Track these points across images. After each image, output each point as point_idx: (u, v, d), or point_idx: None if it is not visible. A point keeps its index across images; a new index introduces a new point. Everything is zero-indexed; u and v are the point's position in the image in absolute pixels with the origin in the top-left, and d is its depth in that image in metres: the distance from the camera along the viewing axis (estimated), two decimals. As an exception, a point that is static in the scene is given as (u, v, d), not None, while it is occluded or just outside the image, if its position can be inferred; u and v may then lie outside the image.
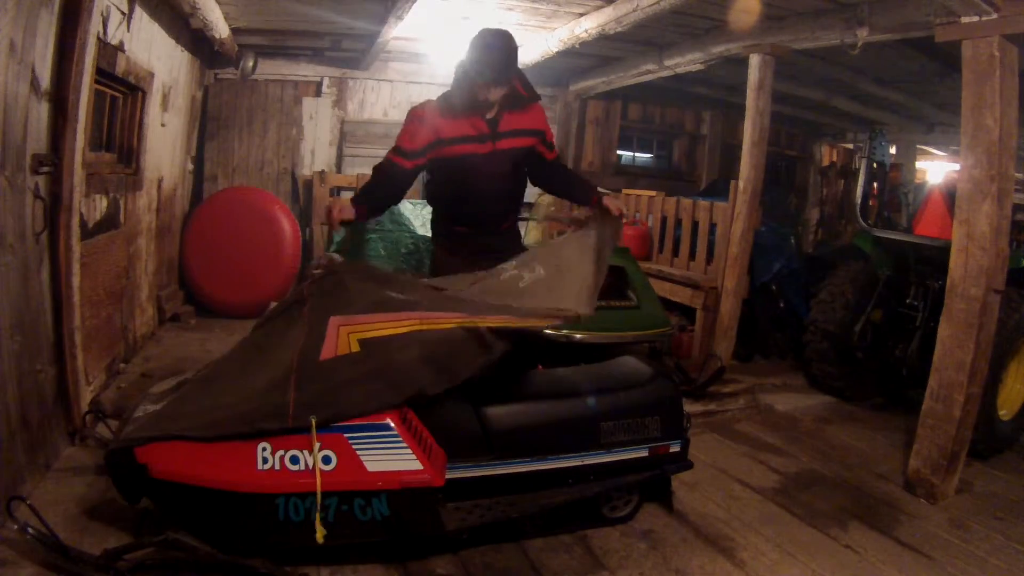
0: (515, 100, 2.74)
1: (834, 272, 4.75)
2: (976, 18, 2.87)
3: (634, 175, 7.85)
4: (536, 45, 5.24)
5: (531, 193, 7.54)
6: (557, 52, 5.07)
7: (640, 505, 2.73)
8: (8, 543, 2.10)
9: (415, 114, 2.74)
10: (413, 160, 2.72)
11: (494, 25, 2.84)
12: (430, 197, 3.06)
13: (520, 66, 2.80)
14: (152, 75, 4.19)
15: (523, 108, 2.79)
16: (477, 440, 2.34)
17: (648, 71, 5.74)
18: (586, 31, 4.49)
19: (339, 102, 6.57)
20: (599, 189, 2.93)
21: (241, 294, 5.58)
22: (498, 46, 2.60)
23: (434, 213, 3.05)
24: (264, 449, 2.10)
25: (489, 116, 2.72)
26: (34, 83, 2.42)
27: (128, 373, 3.94)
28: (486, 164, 2.75)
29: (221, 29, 4.74)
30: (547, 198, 5.71)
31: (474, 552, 2.38)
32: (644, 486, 2.72)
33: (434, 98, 2.77)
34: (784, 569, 2.47)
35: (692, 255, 5.34)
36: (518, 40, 2.72)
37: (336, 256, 2.64)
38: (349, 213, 2.61)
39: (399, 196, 2.89)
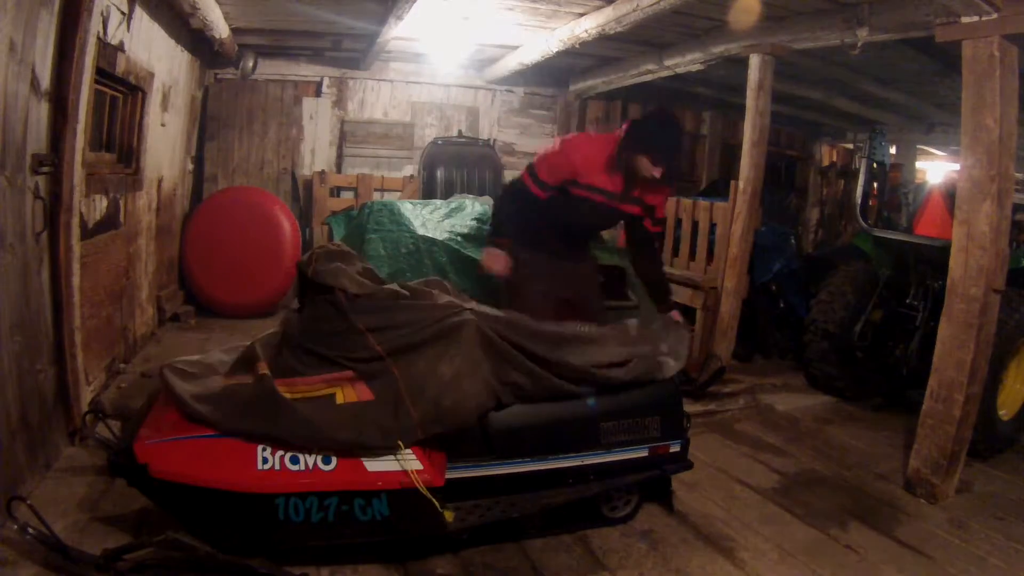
0: (655, 180, 2.87)
1: (834, 272, 4.74)
2: (976, 18, 2.86)
3: (634, 175, 7.84)
4: (536, 45, 5.23)
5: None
6: (557, 52, 5.07)
7: (640, 505, 2.73)
8: (8, 543, 2.10)
9: (564, 148, 2.91)
10: (547, 192, 2.95)
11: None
12: (527, 210, 3.06)
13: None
14: (152, 75, 4.19)
15: (656, 189, 2.97)
16: (477, 440, 2.34)
17: (648, 71, 5.74)
18: (586, 31, 4.49)
19: (339, 102, 6.57)
20: (673, 302, 3.21)
21: (241, 294, 5.58)
22: (677, 135, 2.91)
23: (521, 225, 3.08)
24: (264, 449, 2.11)
25: (628, 179, 2.90)
26: (34, 83, 2.42)
27: (128, 373, 3.94)
28: (601, 215, 3.03)
29: (221, 29, 4.74)
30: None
31: (474, 552, 2.38)
32: (644, 486, 2.72)
33: (589, 132, 2.95)
34: (784, 569, 2.47)
35: (692, 255, 5.34)
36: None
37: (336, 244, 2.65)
38: (504, 261, 2.94)
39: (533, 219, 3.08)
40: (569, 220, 3.05)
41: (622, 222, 3.25)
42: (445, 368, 2.26)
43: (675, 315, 3.06)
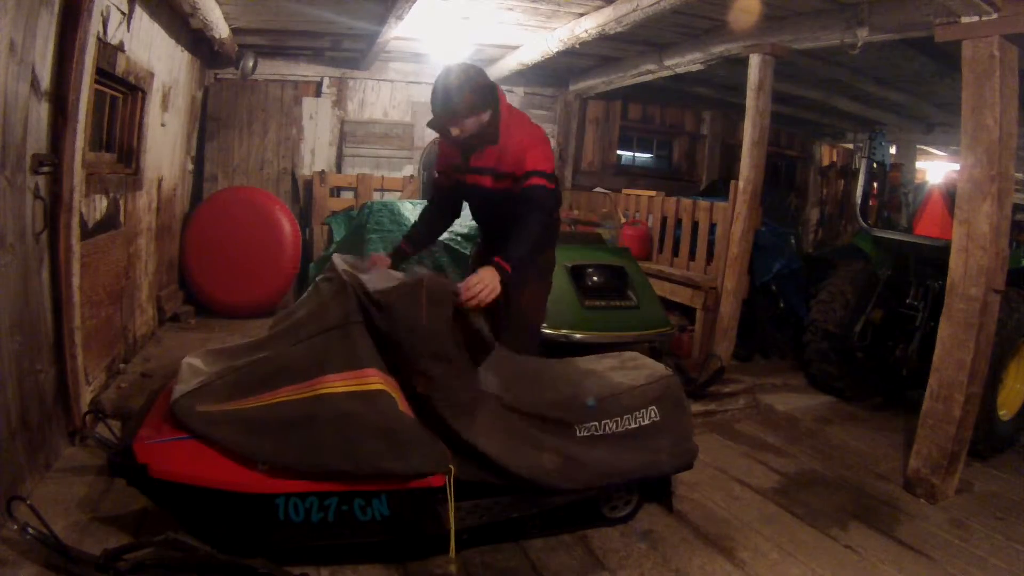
0: (480, 139, 2.66)
1: (834, 272, 4.75)
2: (976, 18, 2.87)
3: (634, 175, 7.85)
4: (536, 45, 5.23)
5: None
6: (557, 52, 5.07)
7: (640, 505, 2.73)
8: (8, 543, 2.10)
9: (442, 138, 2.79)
10: (446, 180, 2.90)
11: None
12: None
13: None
14: (152, 75, 4.19)
15: (484, 148, 2.69)
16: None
17: (648, 71, 5.75)
18: (586, 31, 4.49)
19: (339, 102, 6.57)
20: (505, 259, 2.44)
21: (241, 294, 5.58)
22: (442, 85, 2.63)
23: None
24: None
25: (463, 150, 2.75)
26: (34, 83, 2.42)
27: (128, 373, 3.94)
28: (474, 194, 2.85)
29: (221, 29, 4.74)
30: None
31: (474, 552, 2.38)
32: (644, 486, 2.72)
33: None
34: (784, 569, 2.47)
35: (692, 255, 5.34)
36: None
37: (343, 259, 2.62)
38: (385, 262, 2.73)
39: (451, 210, 3.04)
40: (476, 215, 3.01)
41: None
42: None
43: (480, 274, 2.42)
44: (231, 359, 2.37)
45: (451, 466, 2.19)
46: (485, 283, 2.29)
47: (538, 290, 2.96)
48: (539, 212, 2.58)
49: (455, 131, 2.62)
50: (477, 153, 2.72)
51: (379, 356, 2.25)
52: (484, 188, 2.77)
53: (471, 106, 2.59)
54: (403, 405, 2.20)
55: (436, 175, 2.96)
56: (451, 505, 2.17)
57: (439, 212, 3.05)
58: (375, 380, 2.19)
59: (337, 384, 2.16)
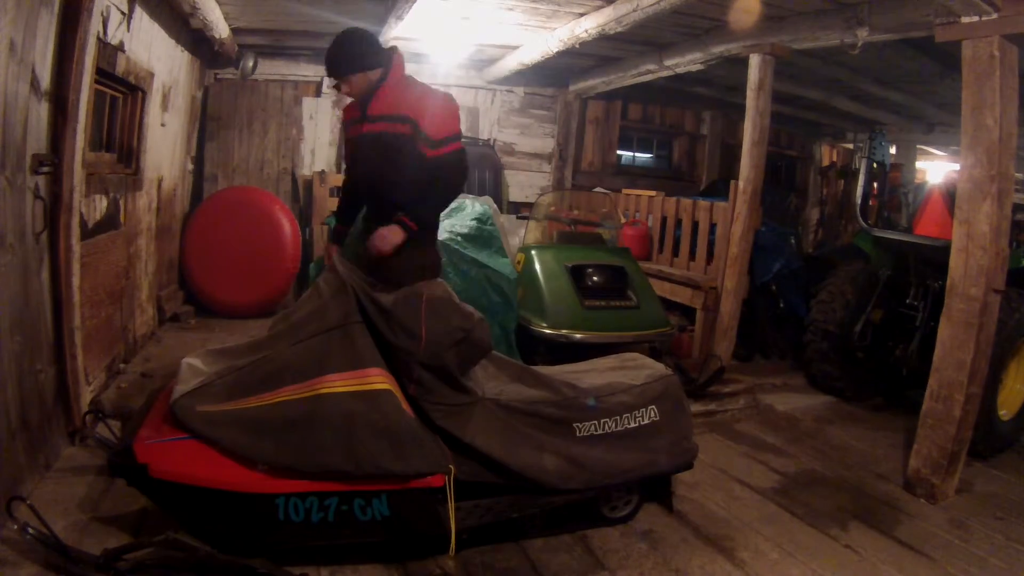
0: (375, 86, 2.78)
1: (834, 272, 4.75)
2: (976, 18, 2.87)
3: (634, 175, 7.85)
4: (536, 45, 5.23)
5: (531, 193, 7.54)
6: (557, 52, 5.06)
7: (640, 505, 2.73)
8: (8, 543, 2.09)
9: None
10: (353, 146, 2.94)
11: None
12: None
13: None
14: (152, 75, 4.19)
15: (378, 92, 2.77)
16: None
17: (648, 71, 5.74)
18: (586, 31, 4.49)
19: (339, 102, 6.56)
20: (407, 218, 2.68)
21: (241, 294, 5.58)
22: (332, 45, 2.76)
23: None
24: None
25: (362, 105, 2.81)
26: (34, 83, 2.42)
27: (128, 373, 3.94)
28: (360, 148, 2.85)
29: (221, 29, 4.74)
30: (547, 198, 5.72)
31: (474, 552, 2.38)
32: (644, 486, 2.72)
33: None
34: (784, 569, 2.47)
35: (692, 255, 5.34)
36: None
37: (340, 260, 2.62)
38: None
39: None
40: (356, 174, 2.99)
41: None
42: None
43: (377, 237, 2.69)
44: (231, 359, 2.37)
45: (451, 466, 2.19)
46: (386, 237, 2.65)
47: (422, 257, 2.83)
48: (457, 177, 2.79)
49: (344, 88, 2.78)
50: (373, 103, 2.79)
51: (380, 355, 2.26)
52: (378, 134, 2.76)
53: (354, 63, 2.73)
54: (405, 404, 2.21)
55: (346, 143, 3.02)
56: (451, 504, 2.17)
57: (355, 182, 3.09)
58: (378, 379, 2.20)
59: (338, 384, 2.17)
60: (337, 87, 2.81)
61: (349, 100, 2.90)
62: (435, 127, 2.69)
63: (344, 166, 3.19)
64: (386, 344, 2.27)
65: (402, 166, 2.72)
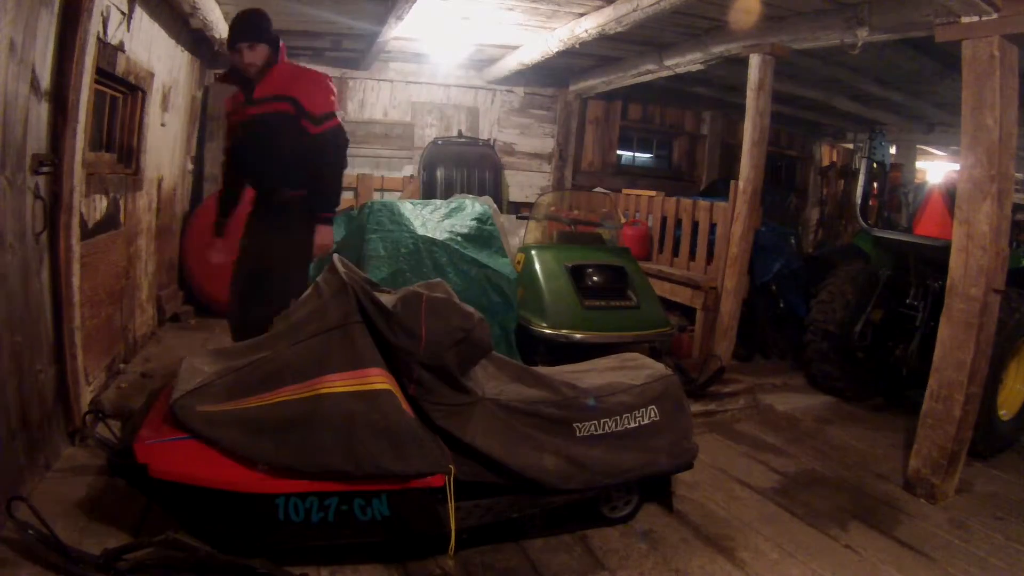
0: (266, 65, 2.88)
1: (834, 272, 4.75)
2: (976, 18, 2.87)
3: (634, 175, 7.85)
4: (536, 45, 5.23)
5: (531, 193, 7.54)
6: (557, 52, 5.07)
7: (640, 505, 2.73)
8: (8, 543, 2.09)
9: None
10: (234, 132, 3.06)
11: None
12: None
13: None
14: (152, 75, 4.19)
15: (267, 75, 2.90)
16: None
17: (648, 71, 5.74)
18: (586, 31, 4.49)
19: (339, 102, 6.57)
20: (327, 214, 3.03)
21: (241, 294, 5.56)
22: (243, 11, 2.89)
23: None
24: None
25: (250, 82, 2.89)
26: (34, 83, 2.42)
27: (128, 373, 3.94)
28: (249, 131, 2.93)
29: (221, 29, 4.74)
30: (547, 198, 5.72)
31: (474, 552, 2.38)
32: (644, 486, 2.72)
33: None
34: (784, 569, 2.47)
35: (692, 255, 5.34)
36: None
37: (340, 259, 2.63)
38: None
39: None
40: (241, 159, 3.08)
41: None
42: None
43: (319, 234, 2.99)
44: (231, 359, 2.37)
45: (451, 466, 2.19)
46: (328, 235, 2.91)
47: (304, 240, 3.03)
48: (340, 154, 2.96)
49: (248, 56, 2.82)
50: (260, 86, 2.89)
51: (380, 355, 2.25)
52: (266, 115, 2.89)
53: (268, 33, 2.89)
54: (405, 404, 2.21)
55: (229, 132, 3.06)
56: (451, 504, 2.17)
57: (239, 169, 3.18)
58: (378, 379, 2.19)
59: (337, 384, 2.16)
60: (238, 53, 2.83)
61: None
62: (316, 104, 2.89)
63: (224, 159, 3.27)
64: (386, 344, 2.27)
65: (290, 144, 2.88)
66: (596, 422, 2.49)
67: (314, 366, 2.21)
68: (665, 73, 5.63)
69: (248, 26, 2.86)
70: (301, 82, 2.92)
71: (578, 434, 2.46)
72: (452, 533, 2.18)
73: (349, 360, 2.21)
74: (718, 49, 4.78)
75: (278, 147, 2.89)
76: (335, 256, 2.61)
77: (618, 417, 2.53)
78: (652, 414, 2.59)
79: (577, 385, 2.57)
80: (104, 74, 3.34)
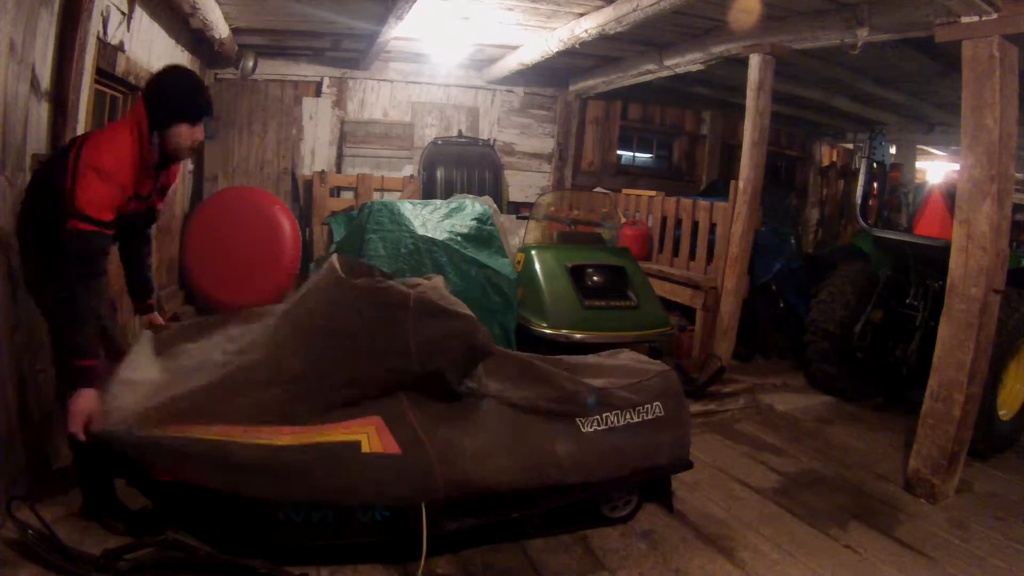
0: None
1: (834, 272, 4.75)
2: (976, 18, 2.87)
3: (634, 175, 7.84)
4: (536, 45, 5.23)
5: (531, 193, 7.53)
6: (557, 52, 5.06)
7: (640, 505, 2.73)
8: (8, 543, 2.09)
9: (106, 169, 2.14)
10: (124, 213, 2.29)
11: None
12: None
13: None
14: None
15: (172, 165, 2.54)
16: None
17: (648, 71, 5.74)
18: (586, 31, 4.48)
19: (339, 102, 6.57)
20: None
21: (241, 294, 5.55)
22: (199, 82, 2.45)
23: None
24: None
25: (161, 163, 2.41)
26: (34, 83, 2.42)
27: (128, 373, 3.93)
28: (139, 219, 2.52)
29: (221, 29, 4.74)
30: (547, 198, 5.72)
31: (474, 552, 2.38)
32: (644, 486, 2.72)
33: (97, 132, 2.39)
34: (784, 569, 2.47)
35: (692, 255, 5.34)
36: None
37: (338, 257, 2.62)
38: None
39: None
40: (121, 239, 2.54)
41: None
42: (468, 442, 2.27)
43: (155, 318, 2.78)
44: (199, 362, 2.35)
45: (436, 488, 2.16)
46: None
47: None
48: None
49: (199, 134, 2.41)
50: (167, 175, 2.54)
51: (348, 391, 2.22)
52: (155, 209, 2.58)
53: None
54: (383, 443, 2.16)
55: (108, 230, 2.20)
56: (424, 526, 2.15)
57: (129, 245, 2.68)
58: (351, 429, 2.15)
59: (302, 435, 2.12)
60: (189, 129, 2.34)
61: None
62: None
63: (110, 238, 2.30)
64: (378, 354, 2.24)
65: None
66: (599, 417, 2.50)
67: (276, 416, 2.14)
68: (665, 73, 5.62)
69: (209, 106, 2.40)
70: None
71: (583, 429, 2.46)
72: (423, 555, 2.16)
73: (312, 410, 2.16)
74: (718, 49, 4.78)
75: (140, 238, 2.66)
76: (334, 256, 2.61)
77: (620, 412, 2.54)
78: (657, 410, 2.60)
79: (579, 380, 2.58)
80: (104, 74, 3.34)
